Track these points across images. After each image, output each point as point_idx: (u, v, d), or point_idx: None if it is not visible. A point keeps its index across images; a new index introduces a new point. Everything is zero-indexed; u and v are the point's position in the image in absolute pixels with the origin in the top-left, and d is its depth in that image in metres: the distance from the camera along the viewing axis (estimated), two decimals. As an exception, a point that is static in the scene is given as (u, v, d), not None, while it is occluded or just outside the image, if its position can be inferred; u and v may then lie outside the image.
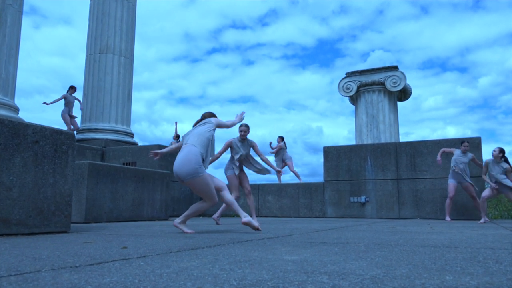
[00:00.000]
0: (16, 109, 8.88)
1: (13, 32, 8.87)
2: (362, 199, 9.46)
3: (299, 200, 10.16)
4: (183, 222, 3.87)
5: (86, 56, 11.63)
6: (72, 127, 10.62)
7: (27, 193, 3.32)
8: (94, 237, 3.23)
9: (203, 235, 3.47)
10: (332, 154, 9.95)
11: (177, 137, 12.33)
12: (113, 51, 11.31)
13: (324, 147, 10.11)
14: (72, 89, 10.92)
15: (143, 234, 3.50)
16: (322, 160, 10.17)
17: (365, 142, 12.26)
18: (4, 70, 8.60)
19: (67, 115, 10.62)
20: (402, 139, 14.69)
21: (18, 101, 9.26)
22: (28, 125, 3.39)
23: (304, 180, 11.04)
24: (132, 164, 10.02)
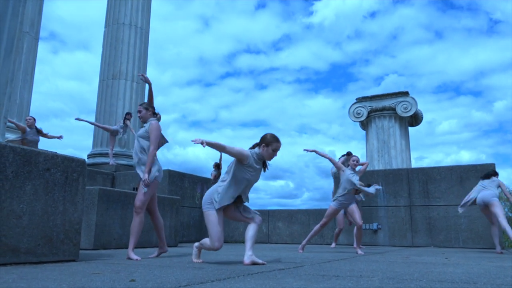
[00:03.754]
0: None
1: (29, 59, 9.08)
2: (374, 226, 9.30)
3: (309, 226, 10.01)
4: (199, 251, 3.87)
5: (99, 81, 11.82)
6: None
7: (36, 221, 3.31)
8: (102, 267, 3.19)
9: (212, 266, 3.40)
10: (343, 180, 9.84)
11: (217, 166, 11.17)
12: (126, 76, 11.49)
13: (335, 173, 10.01)
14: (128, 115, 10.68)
15: (152, 264, 3.44)
16: (333, 185, 10.07)
17: (376, 168, 12.13)
18: (19, 96, 8.77)
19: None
20: (416, 163, 14.57)
21: (36, 125, 9.20)
22: (40, 153, 3.41)
23: (316, 205, 10.90)
24: (142, 189, 10.00)
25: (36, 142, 8.05)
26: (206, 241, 3.68)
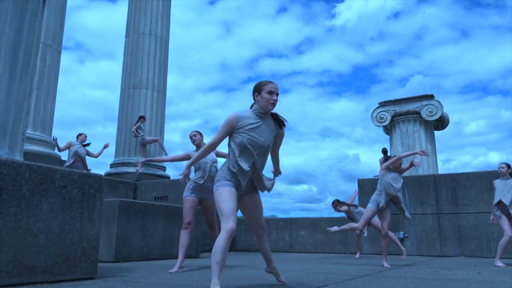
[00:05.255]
0: (53, 145, 9.10)
1: (52, 71, 9.21)
2: (401, 234, 9.01)
3: (333, 235, 9.78)
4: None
5: (121, 91, 11.92)
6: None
7: (53, 239, 3.26)
8: (120, 285, 3.11)
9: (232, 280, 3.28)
10: (367, 187, 9.59)
11: None
12: (146, 86, 11.55)
13: (359, 180, 9.78)
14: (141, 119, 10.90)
15: (170, 284, 3.35)
16: (358, 188, 9.83)
17: (401, 174, 11.79)
18: (43, 108, 8.89)
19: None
20: (443, 166, 14.18)
21: (62, 133, 9.46)
22: (56, 170, 3.37)
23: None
24: (164, 198, 10.00)
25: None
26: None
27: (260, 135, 2.85)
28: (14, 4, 3.55)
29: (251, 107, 3.00)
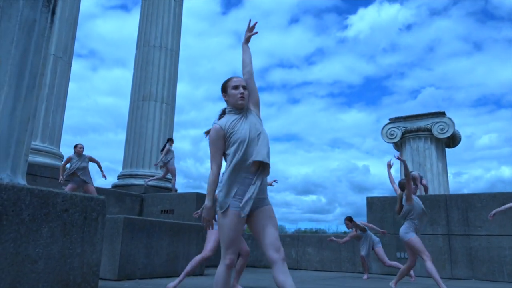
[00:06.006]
0: (61, 157, 9.11)
1: (62, 83, 9.25)
2: (410, 255, 8.81)
3: (341, 253, 9.62)
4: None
5: (130, 102, 11.95)
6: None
7: (53, 265, 3.19)
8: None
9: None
10: (376, 205, 9.44)
11: None
12: (155, 98, 11.56)
13: (368, 198, 9.63)
14: (170, 141, 10.90)
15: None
16: (366, 206, 9.68)
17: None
18: (52, 120, 8.92)
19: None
20: (453, 179, 13.94)
21: (74, 139, 9.44)
22: (58, 194, 3.32)
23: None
24: (170, 211, 9.94)
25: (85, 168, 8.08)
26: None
27: (247, 126, 2.59)
28: (21, 26, 3.53)
29: (221, 115, 2.77)
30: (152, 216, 10.24)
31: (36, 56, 3.70)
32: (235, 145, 2.53)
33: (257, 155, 2.52)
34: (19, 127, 3.48)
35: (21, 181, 3.42)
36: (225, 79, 2.77)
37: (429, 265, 5.27)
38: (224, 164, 2.65)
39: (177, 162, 11.56)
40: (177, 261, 6.76)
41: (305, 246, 10.11)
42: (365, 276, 7.83)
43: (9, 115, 3.37)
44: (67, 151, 8.51)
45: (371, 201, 9.51)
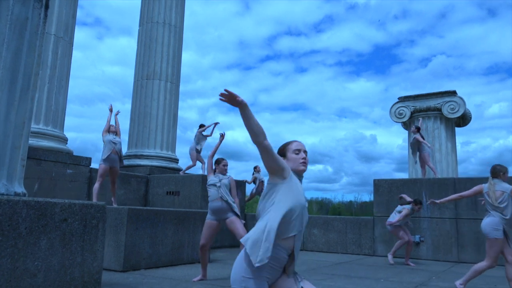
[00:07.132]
0: (65, 140, 9.03)
1: (64, 64, 9.05)
2: (417, 238, 8.78)
3: (347, 235, 9.61)
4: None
5: (134, 82, 11.74)
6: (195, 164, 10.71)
7: (52, 277, 3.14)
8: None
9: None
10: (383, 187, 9.33)
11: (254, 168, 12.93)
12: (160, 76, 11.34)
13: (375, 180, 9.52)
14: (201, 127, 10.76)
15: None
16: (373, 169, 9.65)
17: (419, 172, 11.45)
18: (54, 102, 8.78)
19: (195, 151, 10.58)
20: (461, 148, 13.66)
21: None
22: (55, 204, 3.22)
23: (354, 192, 10.41)
24: (176, 193, 9.92)
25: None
26: None
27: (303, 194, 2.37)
28: (12, 25, 3.34)
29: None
30: (157, 198, 10.24)
31: (29, 56, 3.53)
32: (297, 204, 2.25)
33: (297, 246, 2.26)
34: (14, 133, 3.35)
35: (18, 188, 3.33)
36: (284, 143, 2.52)
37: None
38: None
39: (183, 132, 11.54)
40: (182, 249, 6.76)
41: (311, 228, 10.10)
42: (412, 264, 7.55)
43: (3, 121, 3.24)
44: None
45: (378, 183, 9.41)
